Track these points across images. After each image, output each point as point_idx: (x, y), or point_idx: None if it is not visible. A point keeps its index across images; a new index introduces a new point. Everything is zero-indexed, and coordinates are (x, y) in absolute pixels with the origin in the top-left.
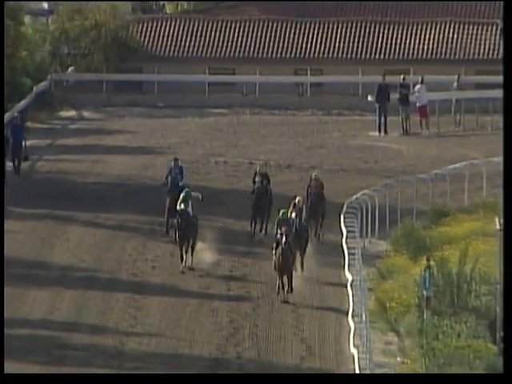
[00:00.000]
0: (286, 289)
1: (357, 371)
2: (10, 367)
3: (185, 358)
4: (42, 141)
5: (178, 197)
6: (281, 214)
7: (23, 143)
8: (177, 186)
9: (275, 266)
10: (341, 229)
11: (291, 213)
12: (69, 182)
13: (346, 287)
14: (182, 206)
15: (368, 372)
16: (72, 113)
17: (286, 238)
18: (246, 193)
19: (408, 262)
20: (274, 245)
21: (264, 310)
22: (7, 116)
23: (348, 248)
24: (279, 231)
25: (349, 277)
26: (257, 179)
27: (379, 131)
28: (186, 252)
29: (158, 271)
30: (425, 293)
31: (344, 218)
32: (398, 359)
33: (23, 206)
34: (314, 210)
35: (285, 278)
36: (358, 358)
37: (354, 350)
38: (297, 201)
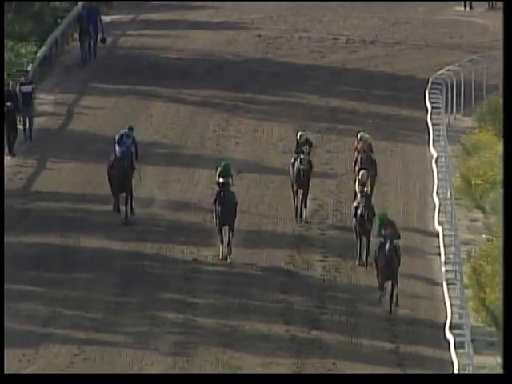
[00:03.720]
0: (391, 300)
1: (441, 248)
2: (94, 243)
3: (269, 234)
4: (125, 16)
5: (126, 169)
6: (379, 217)
7: (99, 25)
8: (128, 156)
9: (377, 268)
10: (425, 105)
11: (356, 189)
12: (151, 57)
13: (431, 164)
14: (222, 180)
15: (453, 250)
16: None
17: (391, 244)
18: (329, 69)
19: (493, 138)
20: (378, 245)
21: (347, 186)
22: None
23: (433, 124)
24: (383, 232)
25: (434, 153)
26: (298, 148)
27: (465, 6)
28: (222, 242)
29: (241, 147)
30: None
31: (429, 93)
32: (484, 236)
33: (106, 82)
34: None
35: (388, 285)
36: (443, 235)
37: (438, 228)
38: (360, 175)
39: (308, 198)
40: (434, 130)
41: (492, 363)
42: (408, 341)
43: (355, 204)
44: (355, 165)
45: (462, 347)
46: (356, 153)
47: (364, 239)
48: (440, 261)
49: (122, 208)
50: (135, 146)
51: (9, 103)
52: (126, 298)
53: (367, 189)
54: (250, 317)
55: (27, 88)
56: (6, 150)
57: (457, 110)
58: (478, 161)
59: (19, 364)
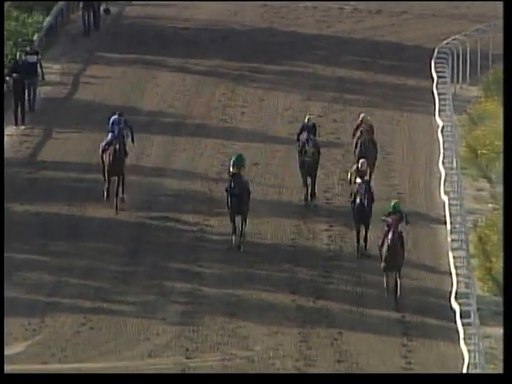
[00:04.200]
0: (395, 291)
1: (447, 218)
2: (100, 212)
3: (274, 204)
4: None
5: (118, 154)
6: (392, 206)
7: None
8: (120, 141)
9: (382, 259)
10: (431, 74)
11: (354, 177)
12: (157, 27)
13: (437, 133)
14: (235, 169)
15: (459, 219)
16: None
17: (393, 234)
18: (335, 38)
19: (499, 107)
20: (382, 236)
21: (353, 156)
22: None
23: (439, 94)
24: (387, 219)
25: (439, 123)
26: (304, 135)
27: None
28: (235, 231)
29: (247, 117)
30: None
31: (435, 63)
32: (490, 205)
33: (112, 52)
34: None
35: (391, 278)
36: (449, 204)
37: (444, 197)
38: (360, 163)
39: (316, 185)
40: (439, 100)
41: (497, 333)
42: (414, 310)
43: (354, 190)
44: (355, 148)
45: (468, 317)
46: (356, 136)
47: (363, 228)
48: (446, 230)
49: (112, 194)
50: (130, 129)
51: (15, 74)
52: (132, 267)
53: (366, 177)
54: (256, 286)
55: (32, 58)
56: (13, 121)
57: (463, 79)
58: (484, 130)
59: (25, 333)
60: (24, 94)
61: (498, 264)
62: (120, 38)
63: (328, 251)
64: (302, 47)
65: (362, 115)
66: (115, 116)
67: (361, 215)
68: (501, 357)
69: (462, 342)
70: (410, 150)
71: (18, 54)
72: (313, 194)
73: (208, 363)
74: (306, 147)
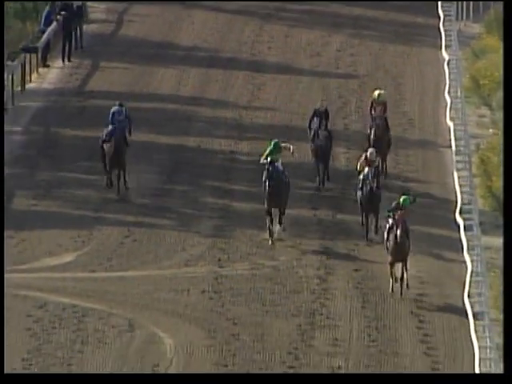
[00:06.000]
0: (401, 283)
1: (452, 141)
2: (142, 136)
3: (298, 129)
4: None
5: (119, 145)
6: (402, 200)
7: None
8: (120, 132)
9: (389, 253)
10: (438, 13)
11: (363, 166)
12: None
13: (443, 66)
14: (269, 158)
15: (463, 143)
16: None
17: (402, 229)
18: None
19: (499, 42)
20: (386, 229)
21: (369, 86)
22: None
23: (445, 30)
24: (391, 218)
25: (446, 56)
26: (315, 121)
27: None
28: (272, 223)
29: (273, 51)
30: None
31: (441, 3)
32: (490, 131)
33: None
34: (379, 144)
35: (397, 270)
36: (454, 129)
37: (450, 123)
38: (369, 153)
39: (328, 171)
40: (446, 36)
41: (497, 244)
42: (422, 222)
43: (361, 177)
44: (370, 131)
45: (471, 229)
46: (371, 118)
47: (372, 216)
48: (451, 152)
49: (115, 183)
50: (129, 120)
51: (64, 12)
52: (170, 185)
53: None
54: None
55: (77, 2)
56: (61, 57)
57: (466, 17)
58: (485, 63)
59: (75, 245)
60: (71, 33)
61: (498, 182)
62: None
63: (346, 172)
64: None
65: (376, 92)
66: (116, 107)
67: (370, 202)
68: (500, 264)
69: (465, 252)
70: (419, 81)
71: None
72: (325, 180)
73: (238, 271)
74: (319, 132)
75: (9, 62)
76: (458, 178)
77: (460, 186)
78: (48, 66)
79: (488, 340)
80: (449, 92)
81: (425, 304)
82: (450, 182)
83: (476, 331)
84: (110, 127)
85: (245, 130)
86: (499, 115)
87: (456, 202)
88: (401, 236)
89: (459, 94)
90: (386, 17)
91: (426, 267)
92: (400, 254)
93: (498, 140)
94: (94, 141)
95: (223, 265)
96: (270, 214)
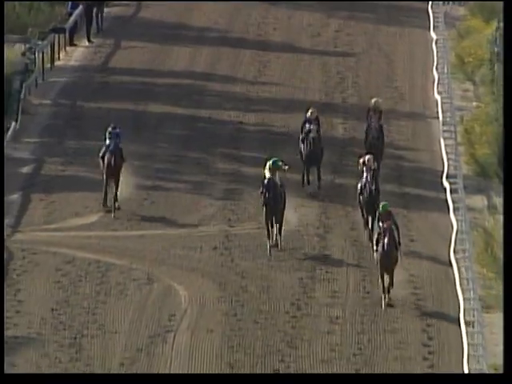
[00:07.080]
0: (387, 291)
1: (440, 113)
2: (159, 108)
3: (300, 102)
4: None
5: (116, 161)
6: (381, 207)
7: None
8: (117, 149)
9: (377, 262)
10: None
11: (361, 169)
12: None
13: (431, 45)
14: (268, 174)
15: (449, 114)
16: None
17: (389, 238)
18: None
19: (482, 24)
20: (375, 238)
21: (365, 63)
22: None
23: (433, 12)
24: (381, 225)
25: (433, 36)
26: (307, 127)
27: None
28: (272, 227)
29: (278, 32)
30: (495, 49)
31: None
32: (474, 103)
33: None
34: (374, 150)
35: (386, 277)
36: (441, 102)
37: (437, 96)
38: (367, 159)
39: (321, 174)
40: (434, 18)
41: (480, 205)
42: (412, 185)
43: (360, 185)
44: (366, 137)
45: (456, 192)
46: (367, 124)
47: (370, 218)
48: (438, 123)
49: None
50: (119, 140)
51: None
52: (184, 152)
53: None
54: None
55: None
56: (86, 38)
57: (453, 1)
58: (469, 42)
59: (98, 206)
60: (91, 17)
61: (481, 151)
62: None
63: (343, 140)
64: None
65: (373, 100)
66: (110, 129)
67: (371, 205)
68: (484, 225)
69: (451, 212)
70: (410, 58)
71: None
72: (318, 179)
73: (246, 230)
74: (310, 132)
75: (39, 42)
76: (445, 146)
77: (446, 153)
78: (75, 45)
79: (472, 292)
80: (436, 68)
81: (415, 260)
82: (437, 149)
83: (461, 284)
84: (107, 143)
85: (252, 102)
86: (482, 89)
87: (443, 168)
88: (388, 244)
89: (446, 70)
90: (380, 1)
91: (416, 226)
92: (389, 261)
93: (481, 112)
94: (117, 113)
95: (233, 224)
96: (268, 226)
